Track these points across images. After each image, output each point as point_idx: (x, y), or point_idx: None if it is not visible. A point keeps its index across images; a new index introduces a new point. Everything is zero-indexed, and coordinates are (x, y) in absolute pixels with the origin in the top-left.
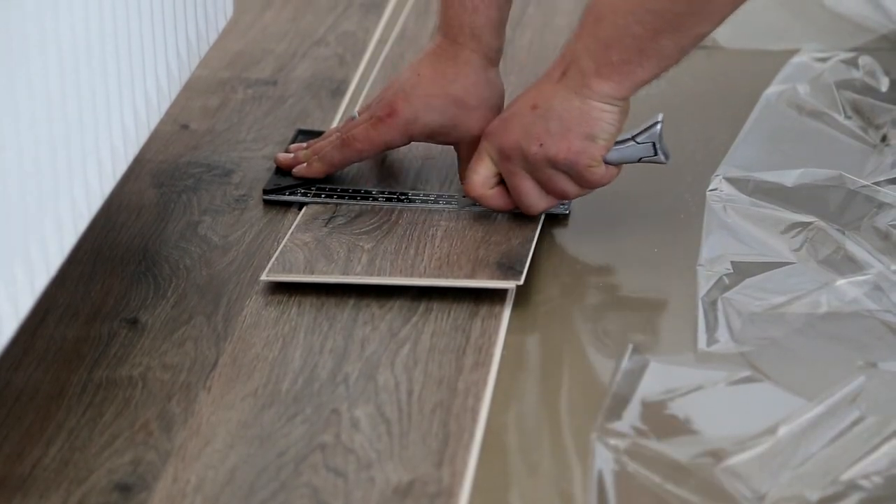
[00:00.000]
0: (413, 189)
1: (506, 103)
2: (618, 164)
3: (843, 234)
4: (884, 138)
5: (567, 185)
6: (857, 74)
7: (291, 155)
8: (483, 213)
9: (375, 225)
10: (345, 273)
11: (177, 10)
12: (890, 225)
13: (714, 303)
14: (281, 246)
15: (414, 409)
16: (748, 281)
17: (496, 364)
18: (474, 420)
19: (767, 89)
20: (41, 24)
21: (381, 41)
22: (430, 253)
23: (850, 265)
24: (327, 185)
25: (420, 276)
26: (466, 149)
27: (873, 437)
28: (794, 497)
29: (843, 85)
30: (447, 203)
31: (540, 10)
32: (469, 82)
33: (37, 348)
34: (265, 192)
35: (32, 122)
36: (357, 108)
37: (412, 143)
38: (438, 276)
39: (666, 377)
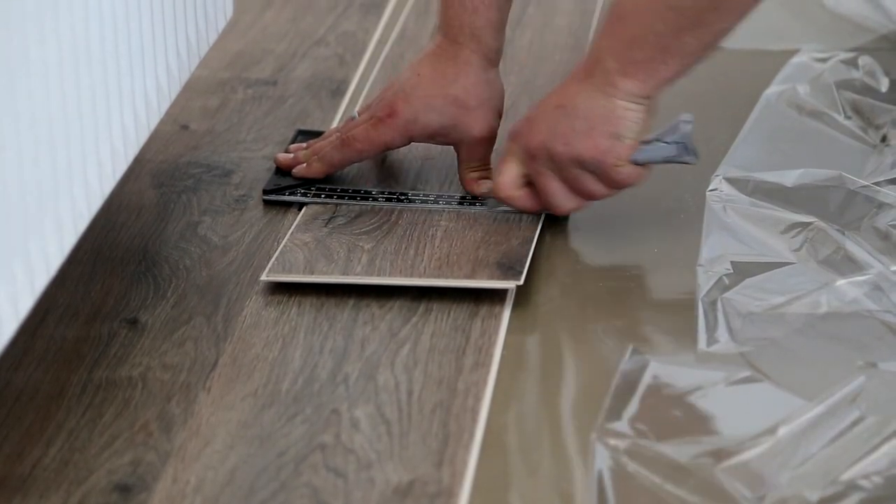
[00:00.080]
0: (413, 189)
1: (506, 103)
2: (645, 165)
3: (843, 234)
4: (884, 138)
5: (594, 185)
6: (857, 74)
7: (291, 155)
8: (482, 214)
9: (375, 225)
10: (345, 273)
11: (177, 10)
12: (890, 225)
13: (714, 303)
14: (281, 246)
15: (414, 409)
16: (748, 281)
17: (496, 364)
18: (474, 420)
19: (767, 89)
20: (41, 23)
21: (381, 41)
22: (429, 253)
23: (850, 265)
24: (327, 185)
25: (420, 276)
26: (466, 149)
27: (873, 437)
28: (794, 497)
29: (843, 85)
30: (447, 203)
31: (540, 10)
32: (469, 83)
33: (37, 348)
34: (265, 192)
35: (32, 122)
36: (357, 109)
37: (412, 143)
38: (438, 277)
39: (666, 377)
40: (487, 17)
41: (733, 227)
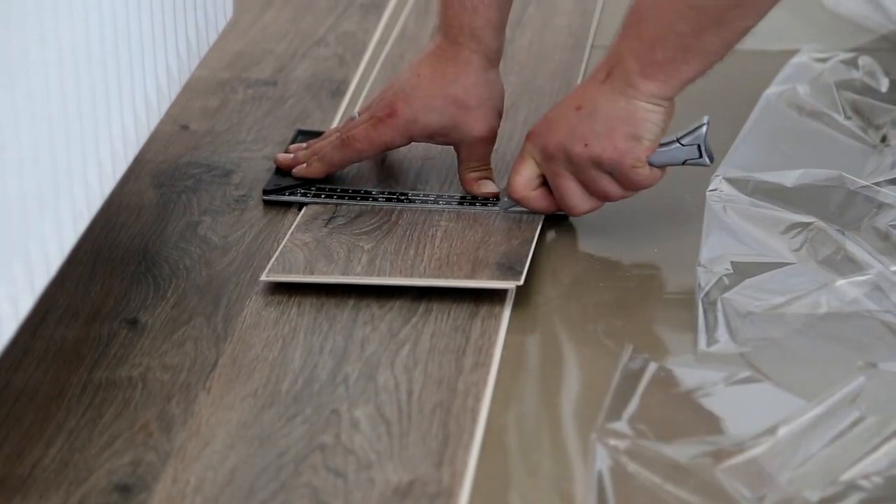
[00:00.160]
0: (413, 189)
1: (506, 103)
2: (662, 167)
3: (843, 234)
4: (884, 139)
5: (611, 187)
6: (856, 75)
7: (291, 155)
8: (482, 214)
9: (375, 225)
10: (345, 273)
11: (177, 10)
12: (890, 225)
13: (714, 303)
14: (281, 246)
15: (414, 409)
16: (748, 281)
17: (496, 364)
18: (474, 420)
19: (767, 89)
20: (41, 23)
21: (381, 41)
22: (429, 253)
23: (849, 265)
24: (327, 185)
25: (420, 276)
26: (466, 149)
27: (873, 437)
28: (794, 497)
29: (843, 85)
30: (447, 203)
31: (540, 10)
32: (469, 83)
33: (37, 349)
34: (265, 192)
35: (32, 122)
36: (357, 109)
37: (412, 143)
38: (438, 277)
39: (666, 377)
40: (487, 17)
41: (733, 227)
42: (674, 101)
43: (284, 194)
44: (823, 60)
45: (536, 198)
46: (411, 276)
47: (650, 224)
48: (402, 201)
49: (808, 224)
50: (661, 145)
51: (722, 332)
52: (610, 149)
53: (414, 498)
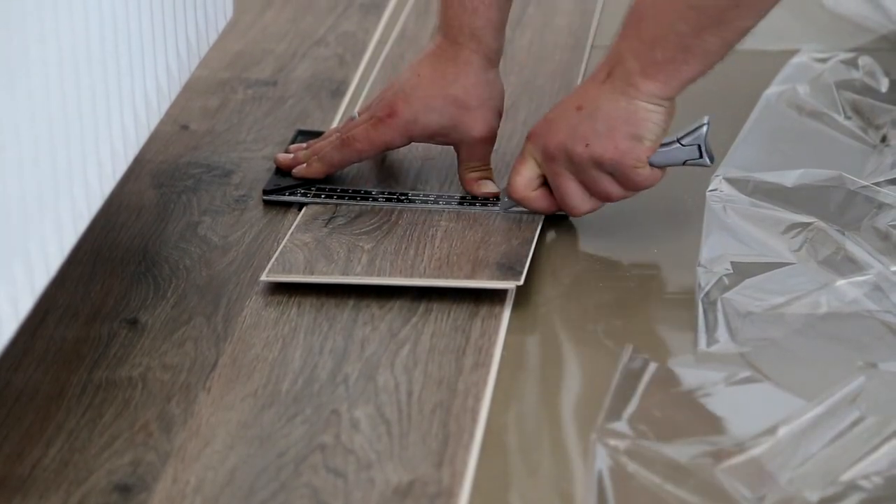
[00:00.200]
0: (413, 189)
1: (506, 103)
2: (662, 167)
3: (843, 234)
4: (884, 139)
5: (611, 187)
6: (856, 75)
7: (291, 155)
8: (482, 214)
9: (375, 225)
10: (345, 273)
11: (177, 10)
12: (890, 225)
13: (714, 303)
14: (281, 246)
15: (414, 409)
16: (748, 281)
17: (496, 364)
18: (474, 420)
19: (767, 90)
20: (41, 23)
21: (381, 41)
22: (429, 253)
23: (849, 265)
24: (327, 185)
25: (420, 276)
26: (466, 149)
27: (873, 437)
28: (793, 497)
29: (843, 85)
30: (447, 203)
31: (540, 10)
32: (469, 83)
33: (36, 349)
34: (265, 192)
35: (32, 122)
36: (357, 109)
37: (412, 143)
38: (438, 277)
39: (666, 377)
40: (487, 17)
41: (733, 227)
42: (674, 102)
43: (284, 194)
44: (823, 60)
45: (537, 198)
46: (411, 276)
47: (650, 224)
48: (402, 201)
49: (808, 224)
50: (662, 146)
51: (722, 332)
52: (611, 149)
53: (414, 498)
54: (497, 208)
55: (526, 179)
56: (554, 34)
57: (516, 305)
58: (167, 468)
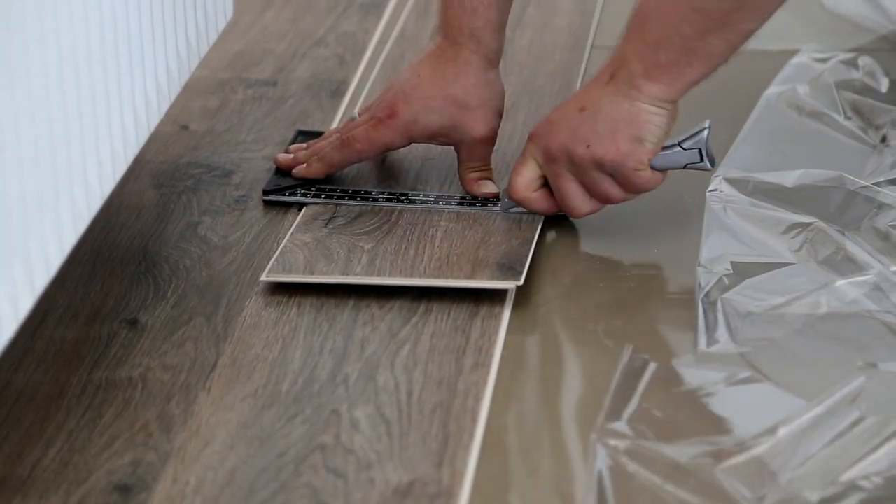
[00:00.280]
0: (413, 189)
1: (506, 104)
2: (663, 170)
3: (843, 234)
4: (884, 139)
5: (612, 189)
6: (856, 75)
7: (291, 155)
8: (482, 214)
9: (375, 225)
10: (345, 273)
11: (177, 10)
12: (890, 225)
13: (714, 303)
14: (281, 246)
15: (414, 409)
16: (748, 281)
17: (496, 364)
18: (474, 420)
19: (767, 90)
20: (41, 24)
21: (381, 42)
22: (429, 253)
23: (850, 266)
24: (327, 185)
25: (420, 276)
26: (466, 150)
27: (873, 437)
28: (793, 498)
29: (843, 85)
30: (447, 203)
31: (540, 10)
32: (469, 83)
33: (36, 349)
34: (265, 192)
35: (32, 122)
36: (357, 109)
37: (412, 143)
38: (438, 277)
39: (666, 377)
40: (486, 17)
41: (733, 227)
42: (677, 105)
43: (284, 194)
44: (823, 60)
45: (537, 199)
46: (411, 276)
47: (650, 224)
48: (402, 201)
49: (808, 224)
50: (663, 149)
51: (722, 333)
52: (613, 150)
53: (414, 498)
54: (497, 208)
55: (527, 180)
56: (554, 34)
57: (516, 305)
58: (167, 468)
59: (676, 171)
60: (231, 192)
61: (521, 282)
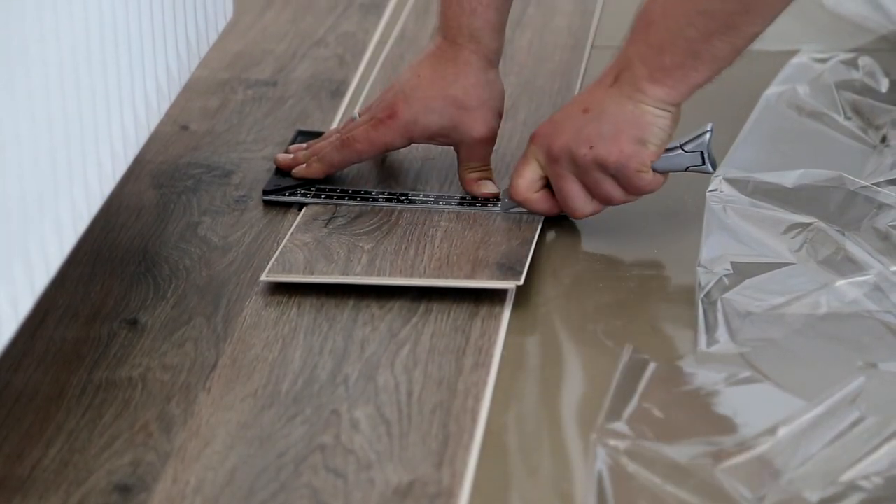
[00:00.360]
0: (413, 189)
1: (506, 104)
2: (664, 173)
3: (843, 234)
4: (883, 139)
5: (614, 190)
6: (856, 75)
7: (291, 156)
8: (482, 214)
9: (375, 225)
10: (345, 273)
11: (177, 10)
12: (890, 226)
13: (714, 303)
14: (281, 246)
15: (414, 409)
16: (748, 281)
17: (496, 365)
18: (474, 421)
19: (767, 90)
20: (41, 24)
21: (381, 42)
22: (429, 253)
23: (849, 266)
24: (327, 185)
25: (420, 276)
26: (466, 150)
27: (873, 437)
28: (793, 498)
29: (843, 86)
30: (447, 203)
31: (540, 10)
32: (469, 83)
33: (36, 349)
34: (265, 192)
35: (32, 122)
36: (357, 109)
37: (412, 144)
38: (438, 277)
39: (666, 377)
40: (486, 17)
41: (733, 227)
42: (680, 108)
43: (284, 195)
44: (823, 61)
45: (539, 200)
46: (411, 276)
47: (650, 224)
48: (402, 201)
49: (808, 224)
50: (665, 151)
51: (722, 333)
52: (616, 152)
53: (414, 498)
54: (497, 209)
55: (528, 181)
56: (554, 34)
57: (516, 305)
58: (167, 468)
59: (677, 172)
60: (231, 192)
61: (521, 282)
